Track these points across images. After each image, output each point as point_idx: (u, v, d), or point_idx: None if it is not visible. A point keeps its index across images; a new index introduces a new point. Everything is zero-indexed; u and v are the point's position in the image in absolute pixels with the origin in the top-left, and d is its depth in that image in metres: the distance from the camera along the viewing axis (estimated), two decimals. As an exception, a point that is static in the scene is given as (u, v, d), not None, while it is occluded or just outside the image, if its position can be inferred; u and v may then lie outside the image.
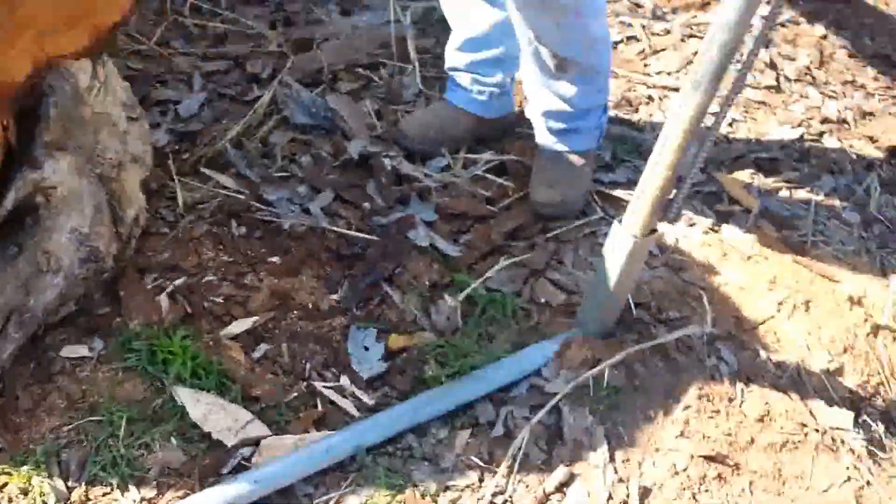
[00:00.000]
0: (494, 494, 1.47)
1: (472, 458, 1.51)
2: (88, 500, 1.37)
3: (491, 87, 1.99)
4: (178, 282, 1.68)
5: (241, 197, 1.85)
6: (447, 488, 1.48)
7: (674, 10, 2.75)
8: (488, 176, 2.03)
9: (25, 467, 1.37)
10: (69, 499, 1.36)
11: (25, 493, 1.35)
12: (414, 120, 2.07)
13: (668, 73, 2.50)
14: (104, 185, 1.61)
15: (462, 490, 1.48)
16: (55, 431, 1.44)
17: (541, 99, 1.89)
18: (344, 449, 1.47)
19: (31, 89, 1.52)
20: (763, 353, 1.72)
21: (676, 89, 2.45)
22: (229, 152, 1.91)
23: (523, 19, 1.72)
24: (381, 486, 1.45)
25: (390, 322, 1.72)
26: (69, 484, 1.38)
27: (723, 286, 1.86)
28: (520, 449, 1.51)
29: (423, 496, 1.45)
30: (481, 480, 1.49)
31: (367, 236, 1.83)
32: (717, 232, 2.00)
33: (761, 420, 1.60)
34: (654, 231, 1.48)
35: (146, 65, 2.06)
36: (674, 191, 1.43)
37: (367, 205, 1.90)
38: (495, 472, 1.49)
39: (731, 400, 1.62)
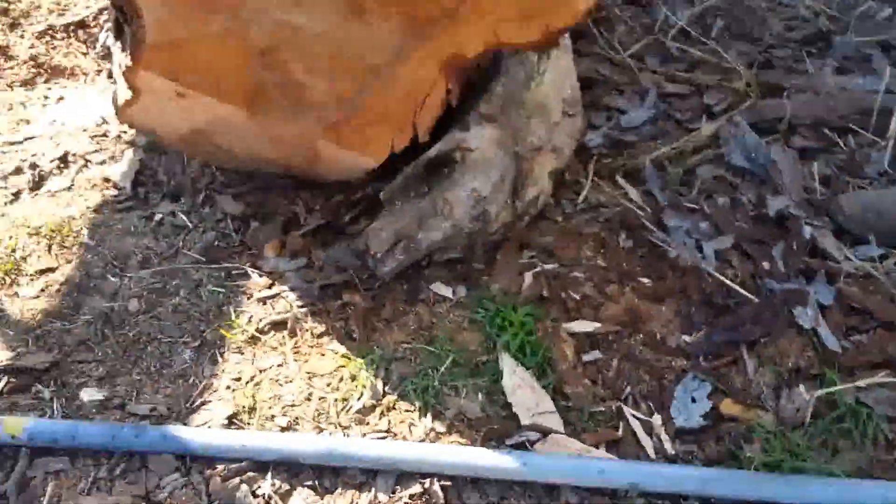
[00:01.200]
0: None
1: (752, 558, 1.44)
2: (393, 408, 1.67)
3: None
4: (548, 266, 1.90)
5: (642, 213, 2.00)
6: (710, 572, 1.44)
7: None
8: (927, 284, 1.86)
9: (361, 360, 1.73)
10: (380, 400, 1.68)
11: (353, 378, 1.71)
12: (859, 197, 1.98)
13: None
14: (516, 163, 1.90)
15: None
16: (397, 344, 1.77)
17: None
18: (619, 479, 1.53)
19: (478, 66, 1.87)
20: None
21: None
22: (649, 169, 2.07)
23: None
24: (643, 532, 1.48)
25: (732, 386, 1.71)
26: (385, 389, 1.70)
27: None
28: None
29: (683, 566, 1.45)
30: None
31: (748, 294, 1.84)
32: None
33: None
34: None
35: (612, 72, 2.32)
36: None
37: (765, 264, 1.89)
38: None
39: None
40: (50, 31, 2.45)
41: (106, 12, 2.53)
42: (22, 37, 2.44)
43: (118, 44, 1.85)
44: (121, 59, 1.86)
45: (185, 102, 1.88)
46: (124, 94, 1.92)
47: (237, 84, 1.87)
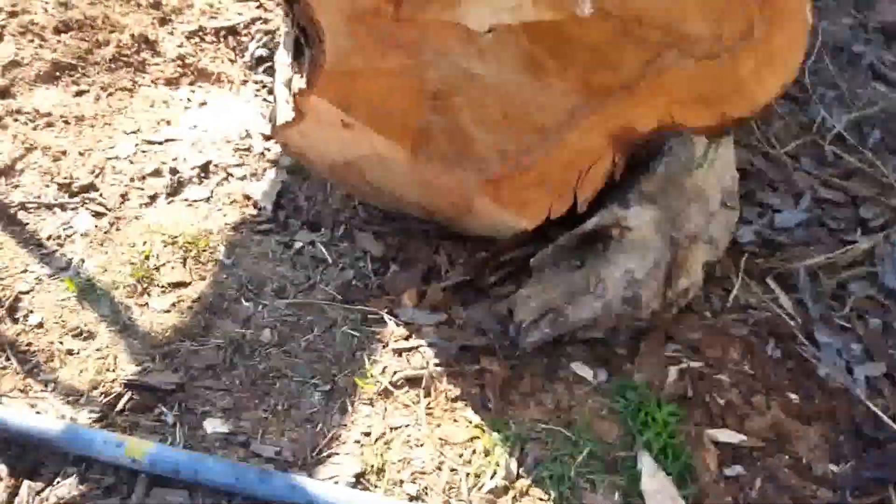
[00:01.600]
0: None
1: None
2: (526, 493, 1.55)
3: None
4: (693, 363, 1.79)
5: (792, 323, 1.88)
6: None
7: None
8: None
9: (497, 435, 1.62)
10: (513, 482, 1.56)
11: (486, 454, 1.60)
12: None
13: None
14: (672, 249, 1.80)
15: None
16: (533, 422, 1.66)
17: None
18: None
19: (647, 142, 1.78)
20: None
21: None
22: (802, 277, 1.96)
23: None
24: None
25: (880, 529, 1.60)
26: (520, 471, 1.58)
27: None
28: None
29: None
30: None
31: (901, 430, 1.73)
32: None
33: None
34: None
35: (767, 167, 2.22)
36: None
37: (918, 400, 1.79)
38: None
39: None
40: (200, 33, 2.36)
41: (258, 22, 2.45)
42: (171, 34, 2.36)
43: (294, 64, 1.76)
44: (291, 78, 1.78)
45: (346, 133, 1.79)
46: (286, 114, 1.83)
47: (405, 123, 1.78)
